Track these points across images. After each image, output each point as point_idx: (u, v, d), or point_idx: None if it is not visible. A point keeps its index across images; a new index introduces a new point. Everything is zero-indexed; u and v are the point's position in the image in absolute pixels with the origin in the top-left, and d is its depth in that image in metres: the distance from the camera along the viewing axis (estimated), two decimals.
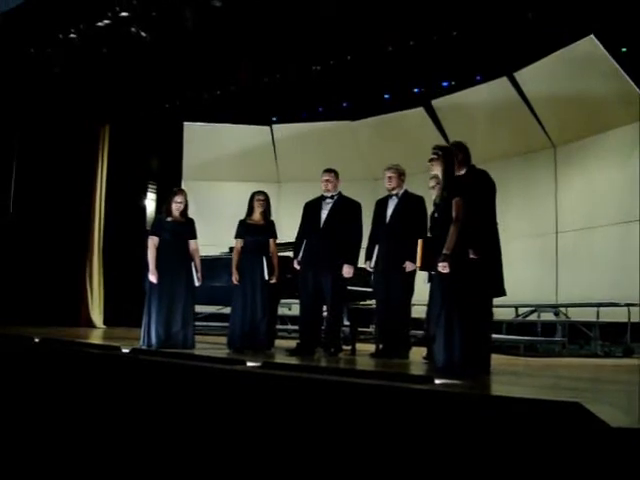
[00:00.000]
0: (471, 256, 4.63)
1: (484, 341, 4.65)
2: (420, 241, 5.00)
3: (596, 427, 2.55)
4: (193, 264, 6.57)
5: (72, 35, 10.07)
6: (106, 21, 9.63)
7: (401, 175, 6.33)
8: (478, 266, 4.61)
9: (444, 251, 4.56)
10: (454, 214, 4.65)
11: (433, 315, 4.98)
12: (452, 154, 4.93)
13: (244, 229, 6.64)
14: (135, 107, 12.13)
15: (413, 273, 6.05)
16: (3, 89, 10.74)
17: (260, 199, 6.68)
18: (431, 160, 4.94)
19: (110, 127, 12.60)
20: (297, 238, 6.53)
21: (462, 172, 5.09)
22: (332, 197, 6.40)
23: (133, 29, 9.67)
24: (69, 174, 12.02)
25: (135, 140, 13.02)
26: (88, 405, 5.01)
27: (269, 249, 6.60)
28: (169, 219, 6.59)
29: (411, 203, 6.19)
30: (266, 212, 6.70)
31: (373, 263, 6.25)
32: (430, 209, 5.65)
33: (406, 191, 6.31)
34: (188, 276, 6.51)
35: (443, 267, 4.58)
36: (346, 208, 6.38)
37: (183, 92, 11.77)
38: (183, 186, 11.24)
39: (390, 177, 6.30)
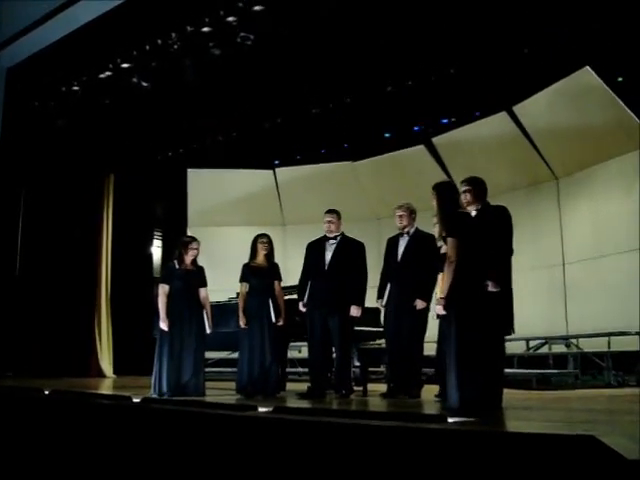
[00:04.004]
0: (491, 289, 4.50)
1: (497, 378, 4.59)
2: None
3: (612, 460, 2.51)
4: (205, 312, 6.54)
5: (75, 87, 10.24)
6: (108, 73, 9.80)
7: (412, 213, 6.34)
8: (491, 302, 4.49)
9: (440, 294, 4.50)
10: (447, 254, 4.54)
11: (444, 352, 4.91)
12: (447, 190, 4.87)
13: (248, 272, 6.61)
14: (139, 156, 12.28)
15: (425, 311, 6.02)
16: (8, 143, 10.87)
17: (264, 242, 6.65)
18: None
19: (115, 176, 12.73)
20: (301, 280, 6.53)
21: (476, 208, 4.98)
22: (335, 238, 6.41)
23: (134, 79, 9.84)
24: (75, 224, 12.12)
25: (140, 188, 13.14)
26: (100, 457, 4.97)
27: (274, 291, 6.56)
28: (179, 267, 6.56)
29: (422, 241, 6.16)
30: (269, 255, 6.66)
31: (385, 302, 6.23)
32: None
33: (417, 229, 6.32)
34: (199, 324, 6.46)
35: (438, 310, 4.54)
36: (350, 248, 6.39)
37: (186, 139, 11.91)
38: (189, 232, 11.31)
39: (401, 216, 6.31)
